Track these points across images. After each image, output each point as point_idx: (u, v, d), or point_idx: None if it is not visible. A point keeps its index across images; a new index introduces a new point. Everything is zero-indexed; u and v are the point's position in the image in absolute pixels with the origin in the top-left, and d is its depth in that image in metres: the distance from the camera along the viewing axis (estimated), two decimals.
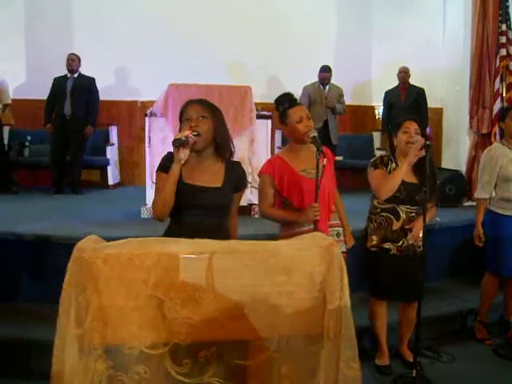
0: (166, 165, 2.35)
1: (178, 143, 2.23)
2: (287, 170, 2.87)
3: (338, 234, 2.98)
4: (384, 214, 3.26)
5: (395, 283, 3.24)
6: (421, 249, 3.25)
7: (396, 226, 3.22)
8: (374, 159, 3.32)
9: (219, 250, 1.80)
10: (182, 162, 2.26)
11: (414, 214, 3.24)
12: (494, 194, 3.79)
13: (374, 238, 3.27)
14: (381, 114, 7.50)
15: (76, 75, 6.38)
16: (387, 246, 3.25)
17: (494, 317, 4.03)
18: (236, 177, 2.45)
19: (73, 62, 6.33)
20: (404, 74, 6.87)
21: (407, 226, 3.21)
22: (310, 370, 1.80)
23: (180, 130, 2.39)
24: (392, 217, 3.23)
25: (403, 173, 3.09)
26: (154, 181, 2.48)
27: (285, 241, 2.08)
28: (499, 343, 3.81)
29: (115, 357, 1.70)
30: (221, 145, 2.39)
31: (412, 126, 3.22)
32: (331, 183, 2.95)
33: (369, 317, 3.48)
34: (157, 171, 2.42)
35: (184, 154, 2.25)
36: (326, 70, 6.75)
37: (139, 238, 1.84)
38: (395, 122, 3.44)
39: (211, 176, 2.37)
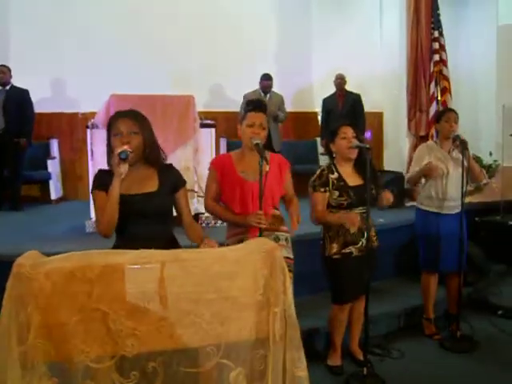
0: (101, 183, 2.33)
1: (124, 155, 2.20)
2: (228, 166, 2.97)
3: (276, 239, 2.94)
4: None
5: (357, 283, 3.29)
6: (376, 243, 3.40)
7: (353, 229, 3.27)
8: (313, 178, 3.35)
9: (164, 259, 1.79)
10: (123, 176, 2.23)
11: (364, 213, 3.29)
12: (422, 192, 3.93)
13: (335, 245, 3.31)
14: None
15: (8, 87, 6.18)
16: (348, 250, 3.29)
17: (440, 311, 4.17)
18: (171, 177, 2.45)
19: (3, 74, 6.12)
20: (340, 80, 7.01)
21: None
22: (259, 373, 1.81)
23: (109, 144, 2.36)
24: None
25: (333, 222, 3.26)
26: (92, 200, 2.43)
27: (230, 247, 2.11)
28: (445, 336, 3.95)
29: (60, 373, 1.66)
30: (151, 155, 2.39)
31: (349, 131, 3.31)
32: (271, 190, 2.95)
33: (328, 322, 3.52)
34: (92, 190, 2.38)
35: (124, 168, 2.22)
36: (267, 78, 6.84)
37: (81, 251, 1.80)
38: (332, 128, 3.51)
39: (145, 182, 2.37)
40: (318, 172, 3.35)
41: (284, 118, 6.89)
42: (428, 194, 3.90)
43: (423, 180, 3.91)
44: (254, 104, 3.03)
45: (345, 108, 6.94)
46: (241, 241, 2.68)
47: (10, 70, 6.20)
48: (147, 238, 2.19)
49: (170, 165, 2.52)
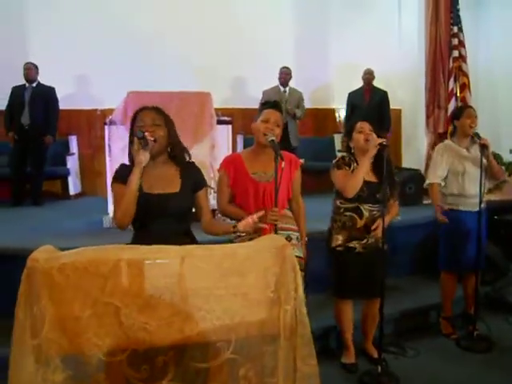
0: (121, 175, 2.34)
1: (140, 134, 2.23)
2: (241, 168, 2.93)
3: (288, 238, 2.92)
4: (348, 213, 3.31)
5: (360, 281, 3.29)
6: (386, 246, 3.35)
7: (360, 224, 3.27)
8: (336, 160, 3.36)
9: (176, 255, 1.81)
10: (143, 164, 2.24)
11: (375, 212, 3.29)
12: (444, 190, 3.90)
13: (339, 237, 3.31)
14: (341, 116, 7.57)
15: (35, 84, 6.27)
16: (352, 244, 3.29)
17: (458, 310, 4.14)
18: (192, 176, 2.46)
19: (29, 70, 6.21)
20: (369, 75, 6.94)
21: (372, 227, 3.25)
22: (269, 370, 1.82)
23: (131, 136, 2.39)
24: (355, 216, 3.28)
25: (365, 169, 3.18)
26: (111, 192, 2.46)
27: (242, 243, 2.11)
28: (462, 336, 3.91)
29: (73, 366, 1.69)
30: (174, 151, 2.42)
31: (366, 126, 3.31)
32: (285, 188, 2.97)
33: (334, 317, 3.52)
34: (112, 182, 2.40)
35: (144, 156, 2.24)
36: (286, 69, 6.85)
37: (94, 246, 1.82)
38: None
39: (168, 182, 2.38)
40: (339, 156, 3.37)
41: (302, 116, 6.84)
42: (448, 192, 3.87)
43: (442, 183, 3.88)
44: (270, 104, 3.02)
45: (371, 104, 6.84)
46: (250, 240, 2.64)
47: (36, 67, 6.29)
48: (165, 236, 2.21)
49: (192, 163, 2.52)
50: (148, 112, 2.38)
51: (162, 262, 1.75)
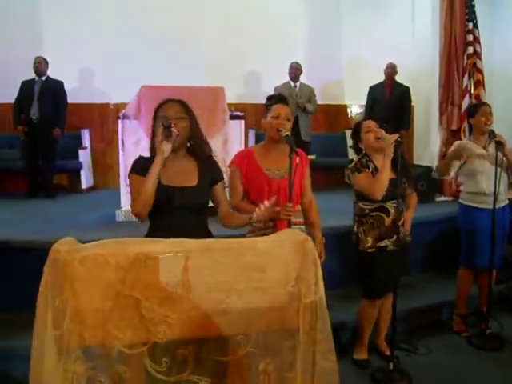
0: (140, 167, 2.36)
1: (167, 123, 2.24)
2: (253, 164, 2.92)
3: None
4: (374, 213, 3.30)
5: (389, 279, 3.26)
6: (409, 238, 3.39)
7: (387, 222, 3.27)
8: (353, 164, 3.33)
9: (195, 248, 1.81)
10: (165, 155, 2.25)
11: (398, 206, 3.29)
12: (464, 188, 3.89)
13: (369, 239, 3.29)
14: (353, 112, 7.53)
15: (44, 78, 6.35)
16: (384, 243, 3.28)
17: (470, 308, 4.12)
18: (210, 170, 2.47)
19: (40, 64, 6.30)
20: (391, 69, 6.91)
21: (399, 223, 3.26)
22: (288, 364, 1.83)
23: (153, 127, 2.39)
24: (382, 214, 3.27)
25: (389, 169, 3.17)
26: (128, 183, 2.46)
27: (260, 238, 2.12)
28: (474, 334, 3.90)
29: (94, 358, 1.70)
30: (194, 146, 2.43)
31: (371, 124, 3.31)
32: (299, 183, 2.97)
33: (358, 316, 3.51)
34: (130, 173, 2.40)
35: (167, 147, 2.25)
36: (295, 64, 6.85)
37: (115, 239, 1.84)
38: (380, 117, 3.49)
39: (186, 175, 2.39)
40: (355, 159, 3.35)
41: (313, 110, 6.82)
42: (467, 189, 3.86)
43: (452, 172, 3.86)
44: (276, 98, 3.02)
45: (392, 98, 6.81)
46: (263, 235, 2.64)
47: (46, 62, 6.38)
48: (182, 229, 2.21)
49: (209, 156, 2.52)
50: (172, 104, 2.38)
51: (182, 256, 1.76)
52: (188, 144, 2.44)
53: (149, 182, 2.24)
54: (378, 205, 3.27)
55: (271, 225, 2.84)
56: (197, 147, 2.44)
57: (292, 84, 6.83)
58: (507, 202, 3.89)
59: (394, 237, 3.27)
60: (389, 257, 3.26)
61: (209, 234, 2.45)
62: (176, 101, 2.41)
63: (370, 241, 3.29)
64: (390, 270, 3.23)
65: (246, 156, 2.97)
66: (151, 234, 2.38)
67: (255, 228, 2.89)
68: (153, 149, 2.40)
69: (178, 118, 2.34)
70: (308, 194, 3.09)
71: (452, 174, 3.87)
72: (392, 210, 3.27)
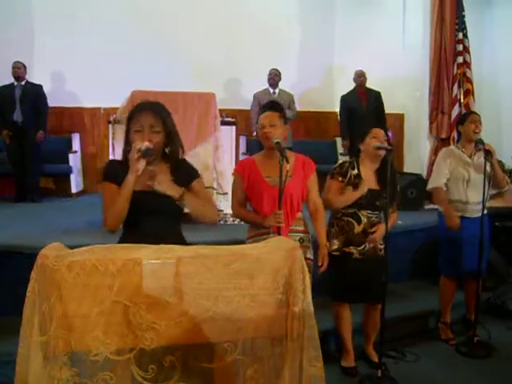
0: (112, 174, 2.28)
1: (150, 152, 2.16)
2: (254, 172, 2.97)
3: (300, 240, 2.96)
4: (345, 218, 3.34)
5: (357, 286, 3.30)
6: (382, 252, 3.35)
7: (357, 229, 3.30)
8: (334, 166, 3.39)
9: (185, 254, 1.81)
10: (139, 173, 2.17)
11: (374, 218, 3.32)
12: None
13: (336, 242, 3.33)
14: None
15: (23, 83, 6.38)
16: (349, 250, 3.31)
17: (457, 315, 4.15)
18: (183, 172, 2.38)
19: (19, 69, 6.32)
20: (363, 78, 6.86)
21: (370, 230, 3.27)
22: (275, 371, 1.83)
23: (127, 135, 2.30)
24: (353, 221, 3.31)
25: (354, 199, 3.22)
26: (102, 191, 2.35)
27: (250, 245, 2.13)
28: (461, 341, 3.91)
29: (80, 364, 1.69)
30: (170, 152, 2.34)
31: (380, 134, 3.33)
32: (300, 190, 2.99)
33: (334, 321, 3.52)
34: (103, 181, 2.32)
35: (142, 165, 2.17)
36: (274, 71, 6.83)
37: (103, 245, 1.83)
38: (360, 127, 3.52)
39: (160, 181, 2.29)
40: (339, 162, 3.39)
41: (293, 117, 6.69)
42: (450, 198, 3.87)
43: (443, 178, 3.87)
44: (264, 106, 3.08)
45: (369, 107, 6.77)
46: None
47: (24, 66, 6.41)
48: (157, 235, 2.17)
49: (183, 160, 2.44)
50: (146, 115, 2.25)
51: (170, 262, 1.76)
52: (165, 150, 2.35)
53: (123, 200, 2.17)
54: (352, 211, 3.31)
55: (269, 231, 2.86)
56: (172, 153, 2.35)
57: (271, 90, 6.81)
58: (485, 211, 3.89)
59: (362, 246, 3.30)
60: (355, 264, 3.29)
61: (182, 241, 2.37)
62: (151, 109, 2.28)
63: (336, 244, 3.33)
64: (358, 277, 3.26)
65: (248, 164, 3.03)
66: (124, 239, 2.30)
67: (255, 234, 2.93)
68: (126, 153, 2.30)
69: (153, 132, 2.24)
70: (314, 199, 3.08)
71: (444, 180, 3.86)
72: (364, 219, 3.30)
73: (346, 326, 3.48)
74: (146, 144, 2.17)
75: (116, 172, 2.27)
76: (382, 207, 3.28)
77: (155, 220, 2.28)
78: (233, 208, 3.06)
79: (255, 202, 2.98)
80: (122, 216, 2.21)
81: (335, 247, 3.33)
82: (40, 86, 6.46)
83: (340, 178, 3.30)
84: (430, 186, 3.96)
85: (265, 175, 2.95)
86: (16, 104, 6.25)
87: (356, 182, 3.28)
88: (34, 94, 6.37)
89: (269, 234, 2.82)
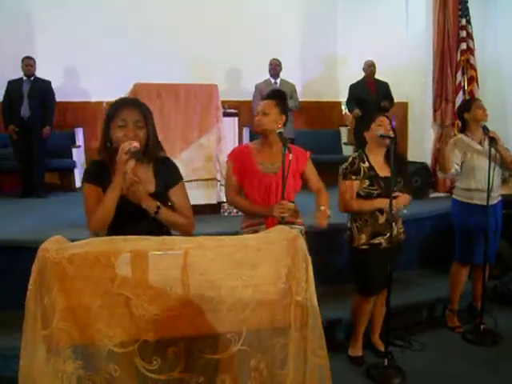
0: (94, 175, 2.21)
1: (138, 153, 2.08)
2: (248, 159, 2.98)
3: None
4: None
5: (383, 275, 3.26)
6: (402, 235, 3.38)
7: (381, 219, 3.26)
8: (344, 166, 3.32)
9: (187, 246, 1.80)
10: (128, 175, 2.10)
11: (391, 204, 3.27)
12: (459, 184, 3.88)
13: (363, 236, 3.29)
14: (345, 108, 7.49)
15: (32, 78, 6.36)
16: (377, 240, 3.28)
17: (464, 304, 4.13)
18: (166, 174, 2.31)
19: (31, 67, 6.30)
20: (373, 67, 6.84)
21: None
22: (280, 361, 1.82)
23: (106, 132, 2.22)
24: (377, 212, 3.26)
25: (372, 208, 3.22)
26: (83, 192, 2.25)
27: (252, 235, 2.12)
28: (468, 329, 3.90)
29: (84, 357, 1.69)
30: (152, 150, 2.25)
31: (385, 121, 3.31)
32: (292, 181, 2.99)
33: (352, 313, 3.51)
34: (84, 182, 2.23)
35: (130, 166, 2.08)
36: (275, 60, 6.78)
37: (104, 237, 1.83)
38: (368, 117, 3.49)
39: (143, 182, 2.22)
40: (349, 160, 3.33)
41: (295, 107, 6.66)
42: (463, 186, 3.85)
43: (458, 168, 3.84)
44: (265, 94, 3.11)
45: (379, 96, 6.73)
46: (256, 232, 2.67)
47: (35, 62, 6.37)
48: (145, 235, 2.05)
49: (166, 158, 2.36)
50: (130, 110, 2.18)
51: (173, 254, 1.75)
52: (148, 146, 2.25)
53: (110, 203, 2.10)
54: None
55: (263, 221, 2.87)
56: (151, 150, 2.25)
57: (272, 81, 6.76)
58: (500, 198, 3.89)
59: (388, 234, 3.26)
60: (382, 254, 3.26)
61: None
62: (133, 104, 2.21)
63: (363, 238, 3.29)
64: (383, 266, 3.23)
65: (241, 151, 3.05)
66: None
67: (249, 224, 2.93)
68: (102, 151, 2.24)
69: (138, 126, 2.17)
70: (316, 183, 3.12)
71: (457, 167, 3.83)
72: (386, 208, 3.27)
73: (365, 319, 3.47)
74: (135, 145, 2.08)
75: (98, 173, 2.21)
76: (399, 191, 3.26)
77: (141, 223, 2.18)
78: (227, 195, 3.07)
79: (247, 188, 2.99)
80: (108, 219, 2.13)
81: (363, 241, 3.29)
82: (49, 82, 6.43)
83: (354, 177, 3.26)
84: (440, 175, 3.97)
85: (258, 162, 2.96)
86: (24, 99, 6.24)
87: (371, 174, 3.25)
88: (43, 89, 6.35)
89: (263, 225, 2.85)
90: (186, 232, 2.30)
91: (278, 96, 3.03)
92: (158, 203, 2.18)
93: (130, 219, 2.18)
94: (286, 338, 1.82)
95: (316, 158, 7.05)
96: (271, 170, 2.92)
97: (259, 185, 2.92)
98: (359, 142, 3.45)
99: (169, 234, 2.34)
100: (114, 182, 2.10)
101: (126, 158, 2.05)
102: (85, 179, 2.24)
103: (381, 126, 3.27)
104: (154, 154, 2.27)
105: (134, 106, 2.20)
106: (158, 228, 2.25)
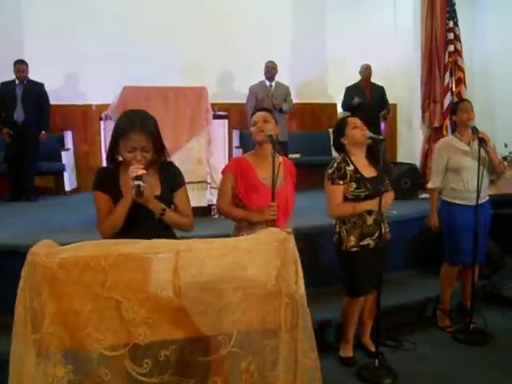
0: (103, 183, 2.35)
1: (142, 188, 2.19)
2: (249, 172, 2.96)
3: None
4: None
5: (372, 275, 3.28)
6: (389, 235, 3.39)
7: (369, 220, 3.27)
8: (330, 171, 3.29)
9: (178, 248, 1.81)
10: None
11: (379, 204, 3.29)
12: (446, 184, 3.91)
13: (352, 238, 3.28)
14: (339, 110, 7.51)
15: (25, 81, 6.28)
16: (366, 242, 3.27)
17: (454, 303, 4.16)
18: (170, 177, 2.45)
19: (23, 72, 6.22)
20: (369, 70, 6.88)
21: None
22: (270, 363, 1.83)
23: (115, 146, 2.34)
24: (365, 214, 3.26)
25: (361, 211, 3.22)
26: (93, 199, 2.39)
27: (242, 237, 2.12)
28: (458, 328, 3.92)
29: (75, 361, 1.69)
30: (157, 159, 2.39)
31: (358, 121, 3.33)
32: (291, 193, 3.03)
33: (342, 314, 3.51)
34: (94, 190, 2.37)
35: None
36: (271, 63, 6.77)
37: (95, 241, 1.83)
38: (362, 119, 3.50)
39: (150, 185, 2.31)
40: (334, 165, 3.29)
41: (289, 110, 6.71)
42: (451, 186, 3.87)
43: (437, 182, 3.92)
44: (256, 110, 3.19)
45: (374, 99, 6.78)
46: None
47: (27, 65, 6.29)
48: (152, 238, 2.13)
49: (170, 163, 2.49)
50: (137, 135, 2.28)
51: (163, 257, 1.75)
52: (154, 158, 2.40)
53: (119, 215, 2.25)
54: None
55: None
56: (158, 159, 2.40)
57: (267, 83, 6.74)
58: (487, 198, 3.93)
59: (376, 234, 3.28)
60: (371, 254, 3.27)
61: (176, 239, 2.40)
62: (141, 128, 2.29)
63: (352, 240, 3.28)
64: (371, 267, 3.25)
65: (240, 164, 3.01)
66: None
67: (240, 228, 2.93)
68: (110, 161, 2.40)
69: (145, 151, 2.29)
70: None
71: (441, 178, 3.90)
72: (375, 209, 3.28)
73: (355, 320, 3.48)
74: (142, 172, 2.21)
75: (106, 181, 2.35)
76: (385, 191, 3.27)
77: (147, 226, 2.32)
78: (220, 205, 3.02)
79: (251, 203, 2.93)
80: (118, 226, 2.28)
81: (352, 243, 3.28)
82: (41, 85, 6.35)
83: (341, 182, 3.24)
84: (429, 186, 4.03)
85: (261, 177, 2.94)
86: (17, 102, 6.17)
87: (357, 176, 3.24)
88: (36, 92, 6.28)
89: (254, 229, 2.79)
90: (187, 229, 2.50)
91: (269, 110, 3.13)
92: (164, 206, 2.34)
93: (138, 220, 2.31)
94: (276, 339, 1.82)
95: (306, 160, 7.10)
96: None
97: (266, 198, 2.84)
98: (337, 149, 3.43)
99: (172, 232, 2.47)
100: (125, 197, 2.26)
101: (133, 184, 2.19)
102: (94, 187, 2.38)
103: (357, 128, 3.29)
104: (159, 161, 2.41)
105: (141, 131, 2.28)
106: (163, 228, 2.40)
